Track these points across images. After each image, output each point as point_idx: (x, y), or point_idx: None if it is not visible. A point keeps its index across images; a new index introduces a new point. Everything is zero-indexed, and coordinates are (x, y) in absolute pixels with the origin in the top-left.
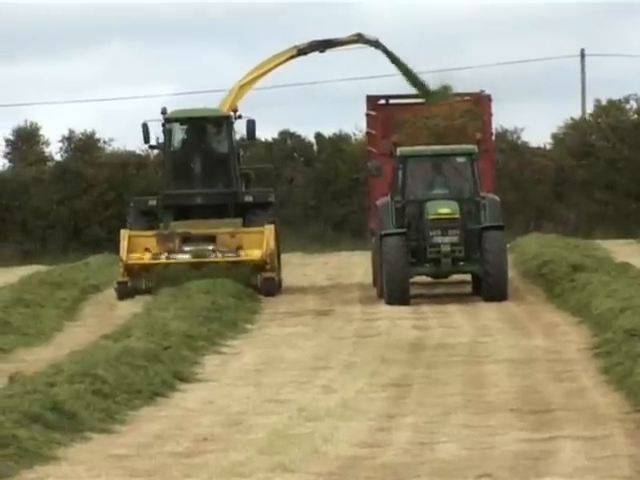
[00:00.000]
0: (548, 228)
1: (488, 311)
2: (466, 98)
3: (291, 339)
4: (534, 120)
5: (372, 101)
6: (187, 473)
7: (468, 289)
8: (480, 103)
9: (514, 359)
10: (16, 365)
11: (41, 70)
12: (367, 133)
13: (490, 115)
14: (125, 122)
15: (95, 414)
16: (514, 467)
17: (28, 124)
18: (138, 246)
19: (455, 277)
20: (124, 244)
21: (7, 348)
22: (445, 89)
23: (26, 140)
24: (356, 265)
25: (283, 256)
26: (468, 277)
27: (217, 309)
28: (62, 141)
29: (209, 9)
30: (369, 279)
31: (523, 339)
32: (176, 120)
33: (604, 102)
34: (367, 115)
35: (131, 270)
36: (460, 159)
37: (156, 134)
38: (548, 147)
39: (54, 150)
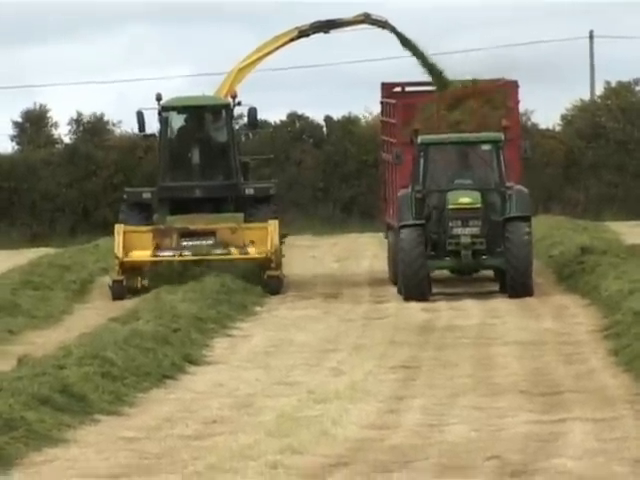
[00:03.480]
0: (557, 210)
1: (497, 293)
2: (493, 85)
3: (300, 322)
4: (543, 102)
5: (387, 88)
6: (196, 456)
7: (494, 288)
8: (504, 90)
9: (523, 341)
10: (25, 347)
11: (56, 52)
12: (382, 122)
13: (517, 102)
14: (141, 104)
15: (104, 396)
16: (523, 449)
17: (37, 106)
18: (133, 242)
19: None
20: (119, 240)
21: (16, 330)
22: (457, 80)
23: (35, 123)
24: (365, 247)
25: (291, 238)
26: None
27: (226, 292)
28: (70, 123)
29: None
30: (378, 262)
31: (532, 321)
32: (173, 108)
33: (613, 84)
34: (382, 103)
35: (127, 268)
36: (485, 147)
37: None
38: (557, 129)
39: (63, 133)
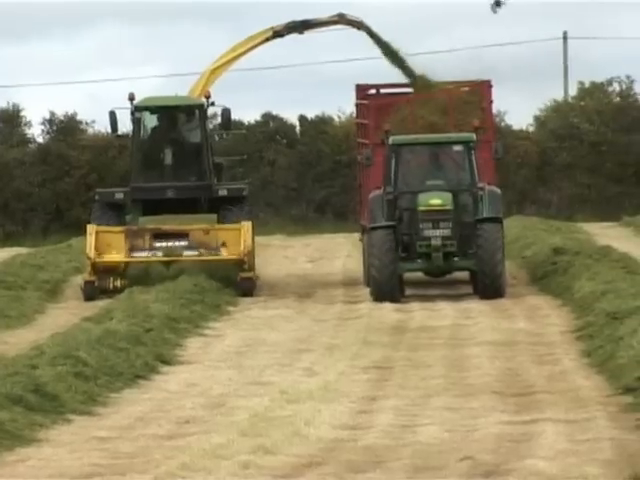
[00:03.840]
0: (530, 211)
1: (467, 287)
2: (464, 88)
3: (273, 321)
4: (517, 103)
5: (362, 90)
6: (169, 455)
7: (468, 290)
8: (479, 91)
9: (496, 342)
10: None
11: (29, 52)
12: (357, 124)
13: (490, 102)
14: (114, 104)
15: (77, 396)
16: (496, 450)
17: (10, 106)
18: (105, 243)
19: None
20: (91, 240)
21: None
22: (433, 81)
23: (8, 122)
24: (338, 247)
25: (265, 238)
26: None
27: (199, 291)
28: (43, 123)
29: None
30: (351, 262)
31: (505, 322)
32: (146, 108)
33: (587, 85)
34: (357, 105)
35: (98, 268)
36: (457, 148)
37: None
38: (531, 130)
39: (36, 132)
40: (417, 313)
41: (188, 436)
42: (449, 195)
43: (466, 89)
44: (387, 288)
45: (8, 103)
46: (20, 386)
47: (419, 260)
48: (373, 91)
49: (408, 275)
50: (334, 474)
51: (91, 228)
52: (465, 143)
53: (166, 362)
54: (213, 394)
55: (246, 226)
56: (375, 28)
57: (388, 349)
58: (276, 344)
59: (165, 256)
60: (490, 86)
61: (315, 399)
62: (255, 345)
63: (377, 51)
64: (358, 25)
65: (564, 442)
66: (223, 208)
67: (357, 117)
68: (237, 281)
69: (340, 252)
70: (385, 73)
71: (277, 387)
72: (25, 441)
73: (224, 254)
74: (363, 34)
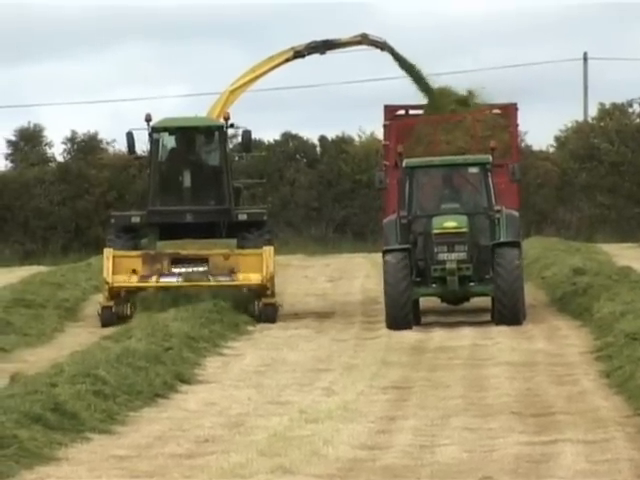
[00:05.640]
0: (550, 231)
1: (488, 313)
2: (495, 111)
3: (292, 341)
4: (537, 123)
5: (390, 111)
6: (188, 474)
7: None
8: (507, 114)
9: (515, 362)
10: (17, 365)
11: (53, 71)
12: (383, 146)
13: (516, 126)
14: (136, 123)
15: (96, 415)
16: (515, 470)
17: (31, 125)
18: (123, 267)
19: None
20: (108, 265)
21: (8, 348)
22: (457, 97)
23: (28, 141)
24: (358, 267)
25: (284, 258)
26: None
27: (219, 311)
28: (65, 142)
29: (224, 10)
30: (370, 282)
31: (524, 342)
32: (164, 129)
33: (607, 105)
34: (384, 126)
35: (116, 294)
36: (472, 170)
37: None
38: (551, 150)
39: (57, 151)
40: (436, 333)
41: (207, 455)
42: (464, 218)
43: (493, 111)
44: (400, 313)
45: (29, 123)
46: (39, 404)
47: (434, 285)
48: (402, 112)
49: (427, 304)
50: None
51: (108, 252)
52: (481, 165)
53: (185, 381)
54: (232, 413)
55: (268, 251)
56: (398, 48)
57: (407, 369)
58: (295, 364)
59: (184, 282)
60: (516, 109)
61: (334, 419)
62: (274, 364)
63: (400, 71)
64: (381, 46)
65: (583, 462)
66: (243, 233)
67: (384, 139)
68: (259, 307)
69: (359, 272)
70: (407, 94)
71: (296, 407)
72: (44, 459)
73: (246, 280)
74: (386, 54)
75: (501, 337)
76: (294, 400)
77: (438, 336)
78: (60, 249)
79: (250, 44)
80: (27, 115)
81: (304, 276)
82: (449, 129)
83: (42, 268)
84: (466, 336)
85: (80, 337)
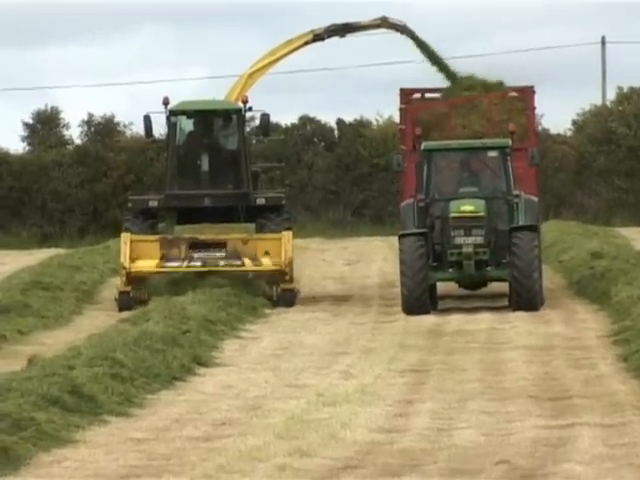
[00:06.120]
0: (568, 215)
1: (506, 298)
2: (512, 94)
3: (310, 324)
4: (555, 107)
5: (406, 95)
6: (205, 457)
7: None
8: (524, 97)
9: (532, 346)
10: (35, 348)
11: (70, 54)
12: (399, 130)
13: (533, 109)
14: (154, 107)
15: (113, 397)
16: (532, 453)
17: (49, 108)
18: (140, 252)
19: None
20: (126, 249)
21: (26, 331)
22: (477, 81)
23: (45, 123)
24: (375, 250)
25: (302, 241)
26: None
27: (236, 294)
28: (81, 125)
29: None
30: (388, 265)
31: (541, 326)
32: (182, 113)
33: (625, 89)
34: (400, 110)
35: (133, 279)
36: (491, 154)
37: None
38: (569, 134)
39: (75, 134)
40: (453, 317)
41: (224, 438)
42: (482, 202)
43: (509, 94)
44: (418, 299)
45: (46, 105)
46: (57, 387)
47: (451, 269)
48: (418, 95)
49: (444, 289)
50: (370, 477)
51: (125, 237)
52: (500, 149)
53: (203, 364)
54: (249, 396)
55: (287, 236)
56: (417, 32)
57: (424, 352)
58: (313, 347)
59: (202, 266)
60: (533, 92)
61: (352, 402)
62: (292, 348)
63: (419, 55)
64: (401, 29)
65: (600, 446)
66: (261, 217)
67: (400, 122)
68: (278, 293)
69: (377, 255)
70: (426, 77)
71: (314, 390)
72: (61, 442)
73: (265, 264)
74: (405, 38)
75: (518, 321)
76: (311, 383)
77: (455, 320)
78: (77, 232)
79: (269, 27)
80: (44, 98)
81: (322, 259)
82: (465, 113)
83: (60, 251)
84: (483, 320)
85: (98, 320)
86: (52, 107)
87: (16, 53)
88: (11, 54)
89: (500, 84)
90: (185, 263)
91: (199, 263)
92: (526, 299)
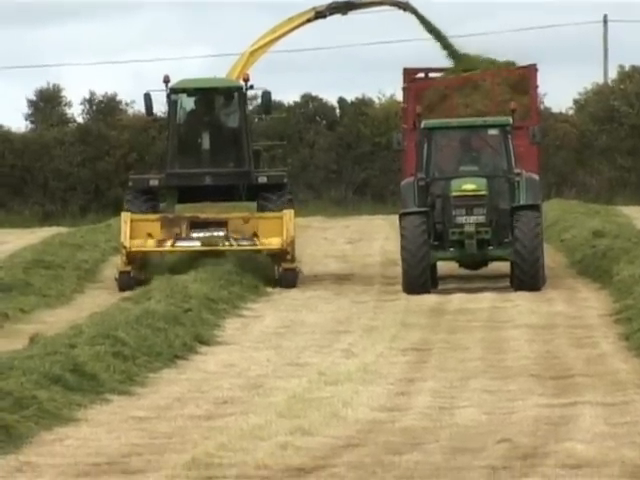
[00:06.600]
0: (570, 194)
1: (507, 279)
2: (512, 69)
3: (312, 303)
4: (556, 86)
5: (410, 74)
6: (207, 436)
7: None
8: (527, 75)
9: (534, 324)
10: (36, 326)
11: (73, 32)
12: (402, 109)
13: (536, 87)
14: (157, 85)
15: (115, 376)
16: (534, 432)
17: (50, 86)
18: (140, 231)
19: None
20: (126, 229)
21: (27, 309)
22: (479, 59)
23: (48, 101)
24: (377, 229)
25: (304, 220)
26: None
27: (238, 272)
28: (83, 103)
29: None
30: (390, 243)
31: (543, 305)
32: (183, 91)
33: (627, 68)
34: (403, 89)
35: (134, 258)
36: (492, 132)
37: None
38: (570, 113)
39: (77, 112)
40: (455, 296)
41: (226, 417)
42: (484, 180)
43: (511, 72)
44: (419, 278)
45: (48, 83)
46: (59, 365)
47: (452, 249)
48: (421, 75)
49: (445, 269)
50: (372, 455)
51: (125, 216)
52: (501, 127)
53: (204, 342)
54: (251, 375)
55: (288, 214)
56: (421, 9)
57: (426, 331)
58: (314, 325)
59: (202, 245)
60: (536, 70)
61: (353, 381)
62: (293, 326)
63: (422, 32)
64: (404, 6)
65: (602, 425)
66: (262, 196)
67: (403, 102)
68: (280, 272)
69: (379, 234)
70: (428, 56)
71: (315, 368)
72: (63, 420)
73: (265, 244)
74: (408, 15)
75: (520, 300)
76: (313, 362)
77: (457, 298)
78: (79, 210)
79: (272, 4)
80: (47, 76)
81: (323, 238)
82: (467, 92)
83: (62, 229)
84: (485, 298)
85: (99, 298)
86: (54, 85)
87: (18, 31)
88: (13, 32)
89: (507, 64)
90: (186, 242)
91: (199, 243)
92: (528, 279)
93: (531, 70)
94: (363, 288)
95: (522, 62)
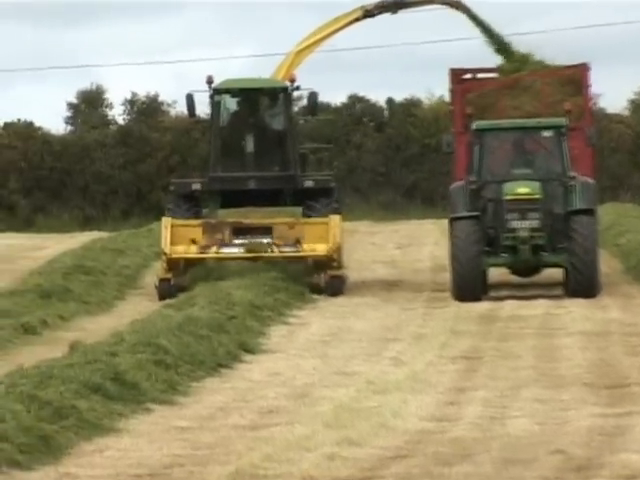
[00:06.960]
0: (625, 197)
1: (560, 287)
2: (565, 71)
3: (359, 309)
4: (612, 86)
5: (457, 75)
6: (251, 446)
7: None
8: (578, 75)
9: (588, 332)
10: (76, 334)
11: (116, 32)
12: (450, 111)
13: (588, 86)
14: (200, 85)
15: (157, 385)
16: (588, 443)
17: (93, 86)
18: (182, 237)
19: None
20: (166, 234)
21: (67, 316)
22: (532, 59)
23: (90, 103)
24: (426, 234)
25: (351, 224)
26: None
27: (283, 279)
28: (124, 104)
29: None
30: (440, 249)
31: (597, 311)
32: (226, 91)
33: None
34: (450, 91)
35: (175, 265)
36: (546, 133)
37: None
38: (626, 113)
39: (117, 113)
40: (507, 302)
41: (271, 427)
42: (537, 184)
43: (561, 72)
44: (470, 285)
45: (91, 84)
46: (99, 374)
47: (504, 254)
48: (469, 76)
49: (496, 277)
50: (421, 467)
51: (166, 221)
52: (556, 128)
53: (249, 351)
54: (297, 384)
55: (334, 220)
56: (473, 8)
57: (477, 339)
58: (362, 333)
59: (246, 252)
60: (588, 69)
61: (402, 390)
62: (340, 334)
63: (474, 32)
64: (455, 4)
65: None
66: (309, 201)
67: (450, 104)
68: (326, 280)
69: (428, 239)
70: (478, 55)
71: (363, 377)
72: (104, 431)
73: (312, 250)
74: (459, 14)
75: (574, 306)
76: (361, 370)
77: (509, 305)
78: (120, 214)
79: (318, 3)
80: (88, 77)
81: (371, 243)
82: (516, 94)
83: (102, 234)
84: (538, 305)
85: (141, 305)
86: (97, 86)
87: (61, 31)
88: (55, 32)
89: (557, 68)
90: (229, 249)
91: (243, 249)
92: (584, 286)
93: (582, 69)
94: (412, 295)
95: (575, 61)
